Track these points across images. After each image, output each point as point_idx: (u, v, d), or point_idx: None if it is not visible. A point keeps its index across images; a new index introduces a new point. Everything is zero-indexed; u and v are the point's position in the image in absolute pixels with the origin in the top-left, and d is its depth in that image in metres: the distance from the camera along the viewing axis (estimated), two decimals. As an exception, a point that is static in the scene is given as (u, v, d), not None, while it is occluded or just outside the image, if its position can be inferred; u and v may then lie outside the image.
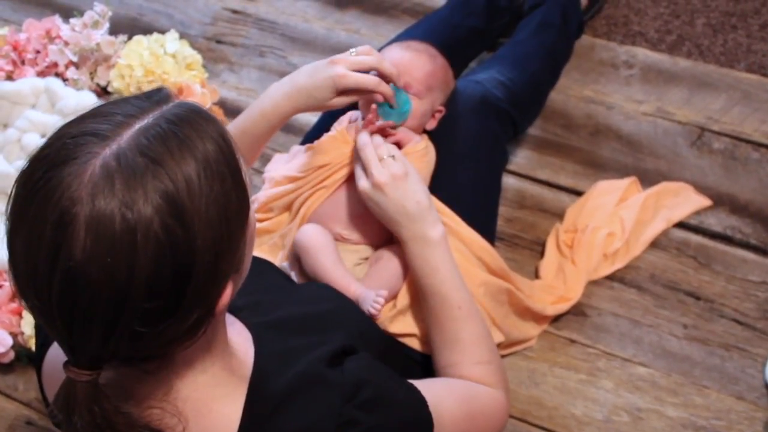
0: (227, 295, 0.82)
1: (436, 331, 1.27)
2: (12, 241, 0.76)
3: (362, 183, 1.29)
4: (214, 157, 0.78)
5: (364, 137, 1.32)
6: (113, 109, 0.79)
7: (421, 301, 1.30)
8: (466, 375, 1.22)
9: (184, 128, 0.78)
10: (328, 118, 1.52)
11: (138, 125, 0.77)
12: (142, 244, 0.73)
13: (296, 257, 1.37)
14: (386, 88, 1.34)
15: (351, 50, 1.35)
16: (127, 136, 0.76)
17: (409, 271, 1.33)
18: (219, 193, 0.78)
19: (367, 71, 1.34)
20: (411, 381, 1.06)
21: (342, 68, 1.31)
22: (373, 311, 1.26)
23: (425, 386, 1.05)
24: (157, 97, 0.81)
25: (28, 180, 0.76)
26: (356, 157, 1.34)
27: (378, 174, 1.27)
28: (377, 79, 1.33)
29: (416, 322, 1.34)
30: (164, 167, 0.75)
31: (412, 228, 1.27)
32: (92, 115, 0.79)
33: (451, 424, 1.06)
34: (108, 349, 0.77)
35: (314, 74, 1.32)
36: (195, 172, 0.76)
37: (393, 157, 1.30)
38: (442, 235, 1.28)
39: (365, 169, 1.30)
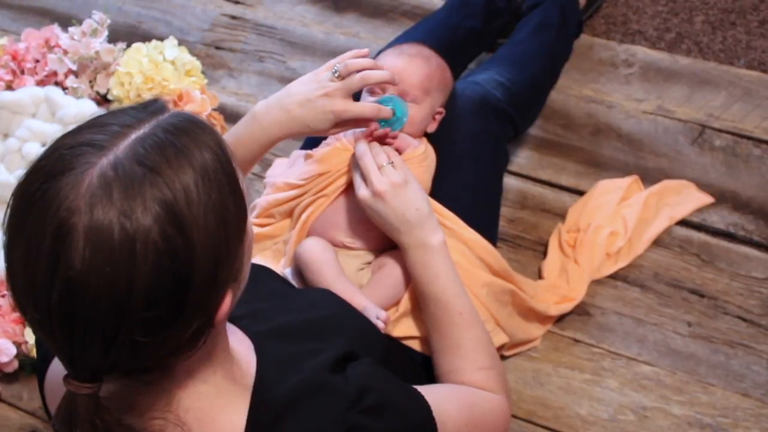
0: (227, 304, 0.82)
1: (437, 337, 1.26)
2: (9, 253, 0.76)
3: (362, 192, 1.29)
4: (212, 165, 0.78)
5: (362, 146, 1.32)
6: (109, 120, 0.79)
7: (422, 308, 1.30)
8: (468, 381, 1.22)
9: (180, 137, 0.78)
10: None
11: (134, 135, 0.77)
12: (142, 253, 0.73)
13: (298, 269, 1.37)
14: (387, 113, 1.34)
15: (334, 70, 1.31)
16: (123, 145, 0.76)
17: (410, 278, 1.33)
18: (217, 201, 0.78)
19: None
20: (414, 387, 1.06)
21: (341, 102, 1.29)
22: (379, 327, 1.26)
23: (428, 392, 1.05)
24: (153, 107, 0.81)
25: (26, 192, 0.76)
26: (354, 165, 1.33)
27: (377, 182, 1.27)
28: (377, 106, 1.33)
29: (418, 325, 1.34)
30: (162, 176, 0.75)
31: (412, 235, 1.27)
32: (88, 126, 0.79)
33: (454, 430, 1.06)
34: (108, 361, 0.76)
35: (310, 106, 1.29)
36: (193, 180, 0.76)
37: (392, 164, 1.30)
38: (442, 242, 1.28)
39: (364, 178, 1.30)
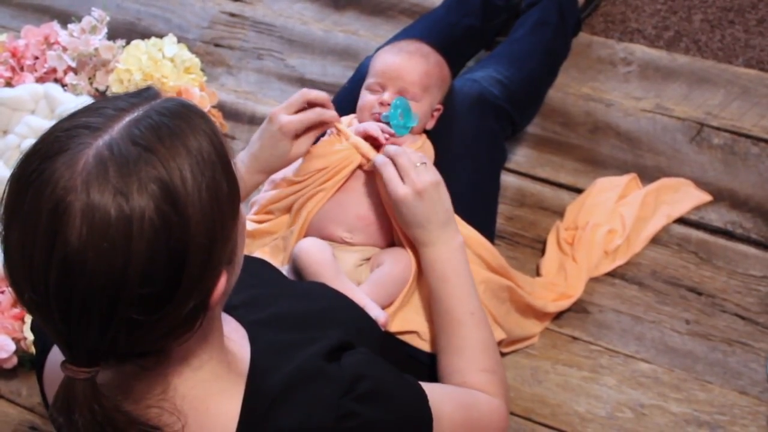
0: (222, 285, 0.82)
1: (445, 335, 1.27)
2: (7, 234, 0.77)
3: (402, 190, 1.28)
4: (205, 146, 0.80)
5: (393, 147, 1.33)
6: (104, 104, 0.80)
7: (433, 305, 1.30)
8: (470, 381, 1.22)
9: (174, 119, 0.80)
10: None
11: (129, 117, 0.79)
12: (138, 229, 0.74)
13: (296, 269, 1.37)
14: (330, 115, 1.38)
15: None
16: (118, 127, 0.77)
17: (410, 274, 1.34)
18: (210, 180, 0.79)
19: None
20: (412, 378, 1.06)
21: (283, 116, 1.35)
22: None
23: (427, 386, 1.05)
24: (146, 93, 0.83)
25: (22, 174, 0.77)
26: (383, 164, 1.31)
27: (419, 181, 1.27)
28: (317, 110, 1.37)
29: (415, 319, 1.34)
30: (157, 155, 0.76)
31: (437, 233, 1.28)
32: (84, 110, 0.81)
33: (449, 428, 1.06)
34: (105, 342, 0.77)
35: (263, 135, 1.37)
36: (187, 159, 0.78)
37: (425, 164, 1.30)
38: (461, 243, 1.30)
39: (402, 177, 1.29)
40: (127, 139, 0.76)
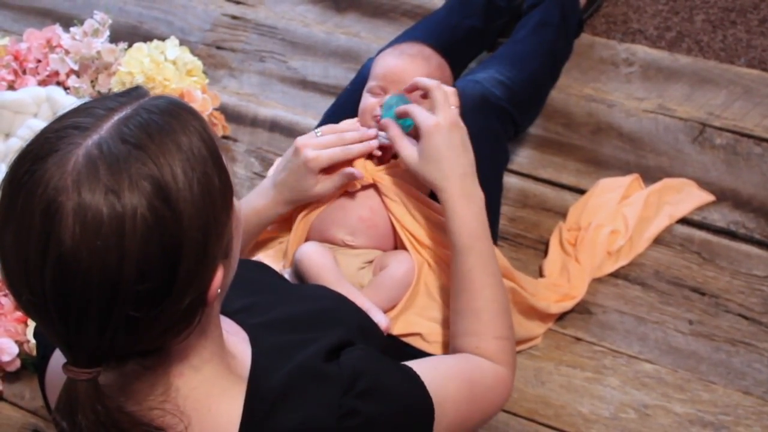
0: (218, 279, 0.83)
1: (465, 296, 1.24)
2: (1, 237, 0.77)
3: (433, 119, 1.27)
4: (195, 142, 0.80)
5: (426, 79, 1.32)
6: (94, 105, 0.81)
7: (458, 264, 1.26)
8: (483, 347, 1.21)
9: (163, 116, 0.80)
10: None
11: (118, 116, 0.79)
12: (131, 227, 0.74)
13: (297, 273, 1.37)
14: (358, 149, 1.36)
15: (316, 131, 1.38)
16: (107, 126, 0.78)
17: (413, 277, 1.34)
18: (202, 174, 0.79)
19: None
20: (417, 361, 1.06)
21: (310, 151, 1.34)
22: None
23: (430, 370, 1.05)
24: (135, 93, 0.84)
25: (14, 177, 0.77)
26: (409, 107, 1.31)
27: (452, 114, 1.27)
28: (345, 148, 1.36)
29: (418, 321, 1.34)
30: (146, 152, 0.77)
31: (465, 179, 1.27)
32: (73, 111, 0.81)
33: (453, 408, 1.06)
34: (105, 342, 0.77)
35: (287, 166, 1.36)
36: (177, 156, 0.78)
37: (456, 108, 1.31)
38: (483, 200, 1.27)
39: (435, 108, 1.28)
40: (116, 138, 0.77)
